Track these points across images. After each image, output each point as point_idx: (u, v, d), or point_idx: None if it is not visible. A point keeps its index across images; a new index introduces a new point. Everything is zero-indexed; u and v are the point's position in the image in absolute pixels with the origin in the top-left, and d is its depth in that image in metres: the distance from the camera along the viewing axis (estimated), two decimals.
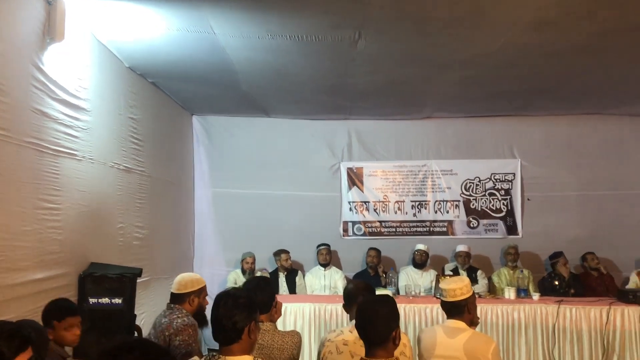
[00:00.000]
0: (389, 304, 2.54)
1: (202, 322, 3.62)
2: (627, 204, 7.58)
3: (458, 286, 3.23)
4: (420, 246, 7.07)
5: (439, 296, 6.00)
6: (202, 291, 3.63)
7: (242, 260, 7.02)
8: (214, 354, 2.36)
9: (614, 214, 7.55)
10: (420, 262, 6.95)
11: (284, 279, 7.07)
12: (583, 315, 5.68)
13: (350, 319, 3.34)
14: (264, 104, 6.91)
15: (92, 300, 4.06)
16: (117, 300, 4.10)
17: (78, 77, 4.16)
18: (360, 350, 3.03)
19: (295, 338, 3.48)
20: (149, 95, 5.87)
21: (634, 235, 7.42)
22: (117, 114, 4.97)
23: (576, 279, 7.00)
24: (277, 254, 7.13)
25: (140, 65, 5.28)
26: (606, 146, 7.66)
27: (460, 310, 3.22)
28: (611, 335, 5.63)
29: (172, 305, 3.56)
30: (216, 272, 7.42)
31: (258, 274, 6.91)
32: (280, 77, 5.60)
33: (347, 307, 3.41)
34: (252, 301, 2.45)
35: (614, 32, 4.40)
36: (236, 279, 6.97)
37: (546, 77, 5.74)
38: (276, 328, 3.44)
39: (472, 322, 3.30)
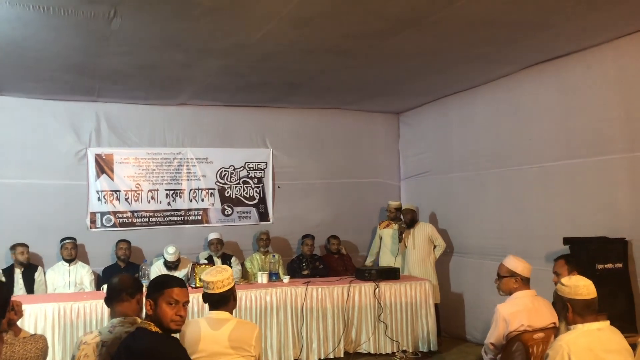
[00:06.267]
0: None
1: None
2: (361, 191, 8.45)
3: (225, 277, 3.23)
4: (170, 257, 6.58)
5: (194, 286, 6.00)
6: None
7: None
8: None
9: (352, 200, 8.37)
10: (173, 267, 6.65)
11: (20, 275, 6.30)
12: (328, 294, 6.18)
13: (112, 317, 3.12)
14: None
15: None
16: None
17: None
18: None
19: (39, 344, 3.16)
20: None
21: (367, 219, 8.33)
22: None
23: (319, 259, 7.59)
24: (13, 247, 6.34)
25: None
26: (345, 139, 8.43)
27: (226, 300, 3.23)
28: (351, 310, 6.23)
29: None
30: None
31: None
32: (18, 51, 4.92)
33: (109, 302, 3.16)
34: None
35: (358, 36, 4.85)
36: None
37: (298, 72, 6.05)
38: (15, 336, 3.07)
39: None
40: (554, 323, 3.77)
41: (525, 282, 3.88)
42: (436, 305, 6.83)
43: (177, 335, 2.95)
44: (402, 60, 5.67)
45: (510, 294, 3.90)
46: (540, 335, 3.68)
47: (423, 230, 7.21)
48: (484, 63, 5.84)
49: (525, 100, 6.12)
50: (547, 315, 3.78)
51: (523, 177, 6.15)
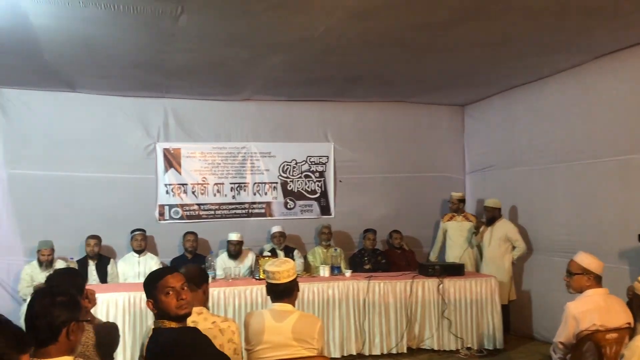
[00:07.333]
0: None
1: None
2: (424, 185, 8.32)
3: (289, 267, 3.25)
4: (233, 236, 6.83)
5: (258, 278, 6.09)
6: None
7: (38, 252, 6.36)
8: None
9: (415, 194, 8.25)
10: (234, 252, 6.80)
11: (94, 267, 6.58)
12: (390, 289, 6.13)
13: None
14: (71, 77, 6.30)
15: None
16: None
17: None
18: None
19: (112, 331, 3.27)
20: None
21: (431, 214, 8.21)
22: None
23: (381, 254, 7.55)
24: (86, 239, 6.63)
25: None
26: (408, 132, 8.32)
27: (290, 291, 3.26)
28: (414, 305, 6.16)
29: None
30: (13, 262, 6.66)
31: (61, 264, 6.35)
32: (90, 49, 5.14)
33: None
34: (74, 299, 2.21)
35: (422, 28, 4.77)
36: (32, 273, 6.31)
37: (361, 65, 6.02)
38: (91, 321, 3.19)
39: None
40: (629, 323, 3.59)
41: (597, 280, 3.71)
42: (508, 304, 6.73)
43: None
44: (467, 51, 5.53)
45: (581, 291, 3.75)
46: (614, 335, 3.51)
47: (501, 229, 6.93)
48: (553, 53, 5.63)
49: (598, 91, 5.86)
50: (621, 315, 3.61)
51: (595, 170, 5.90)
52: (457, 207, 7.48)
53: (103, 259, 6.72)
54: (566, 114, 6.34)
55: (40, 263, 6.32)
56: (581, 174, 6.10)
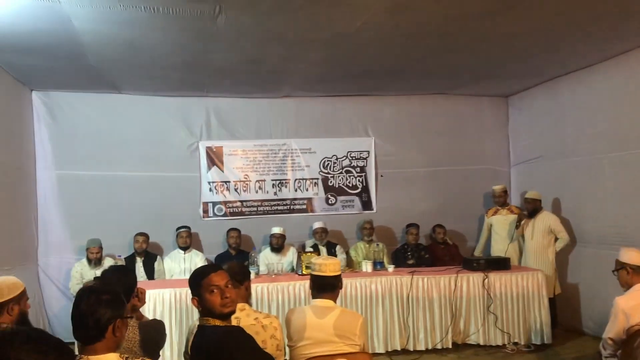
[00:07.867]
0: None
1: None
2: (468, 178, 8.18)
3: (336, 262, 3.29)
4: (276, 230, 7.02)
5: (300, 274, 6.12)
6: (22, 296, 3.04)
7: (87, 250, 6.55)
8: (76, 355, 2.16)
9: (458, 188, 8.12)
10: (277, 245, 6.95)
11: (141, 263, 6.74)
12: (434, 284, 6.06)
13: None
14: (115, 79, 6.46)
15: None
16: None
17: None
18: None
19: (158, 327, 3.33)
20: None
21: (474, 208, 8.08)
22: None
23: (424, 249, 7.47)
24: (135, 236, 6.81)
25: None
26: (450, 125, 8.18)
27: (333, 286, 3.27)
28: (458, 300, 6.08)
29: None
30: (64, 261, 6.88)
31: (109, 262, 6.52)
32: (132, 51, 5.25)
33: None
34: (118, 297, 2.27)
35: (461, 18, 4.68)
36: (82, 270, 6.52)
37: (399, 59, 5.97)
38: (137, 320, 3.26)
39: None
40: None
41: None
42: (553, 298, 6.56)
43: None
44: (508, 41, 5.40)
45: (629, 287, 3.64)
46: None
47: (544, 221, 6.77)
48: (598, 40, 5.45)
49: None
50: None
51: None
52: (503, 200, 7.35)
53: (150, 255, 6.87)
54: (613, 103, 6.13)
55: (89, 261, 6.52)
56: (630, 165, 5.89)
